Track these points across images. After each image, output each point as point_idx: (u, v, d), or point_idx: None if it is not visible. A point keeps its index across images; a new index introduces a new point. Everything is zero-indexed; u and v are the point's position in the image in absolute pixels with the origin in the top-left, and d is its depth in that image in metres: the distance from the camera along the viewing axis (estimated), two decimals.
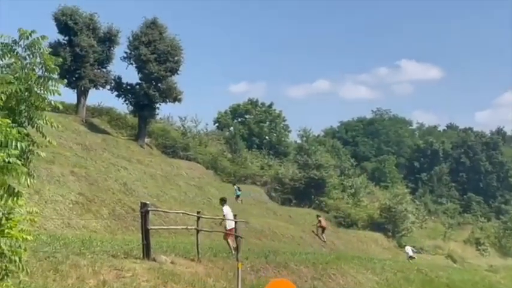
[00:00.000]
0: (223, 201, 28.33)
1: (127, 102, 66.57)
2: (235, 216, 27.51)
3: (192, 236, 24.59)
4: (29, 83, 11.65)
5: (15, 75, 11.52)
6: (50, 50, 12.35)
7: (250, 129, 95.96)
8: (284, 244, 44.09)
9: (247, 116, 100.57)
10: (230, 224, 26.87)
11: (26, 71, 11.70)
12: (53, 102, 12.10)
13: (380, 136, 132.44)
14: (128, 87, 66.07)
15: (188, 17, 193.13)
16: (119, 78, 66.67)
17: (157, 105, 66.06)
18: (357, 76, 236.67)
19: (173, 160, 65.53)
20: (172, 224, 33.36)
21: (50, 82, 11.89)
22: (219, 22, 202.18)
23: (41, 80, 11.76)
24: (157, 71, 62.78)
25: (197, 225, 22.32)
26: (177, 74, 65.94)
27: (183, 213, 26.40)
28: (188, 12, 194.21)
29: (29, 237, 9.77)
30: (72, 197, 32.16)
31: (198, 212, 23.48)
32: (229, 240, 26.57)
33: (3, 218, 9.32)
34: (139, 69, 64.24)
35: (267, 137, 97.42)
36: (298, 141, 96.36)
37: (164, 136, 72.96)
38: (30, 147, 12.08)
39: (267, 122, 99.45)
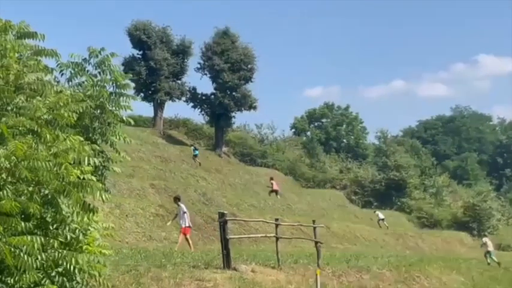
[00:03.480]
0: (177, 199, 28.19)
1: (203, 112, 67.42)
2: (313, 221, 27.26)
3: (273, 243, 24.56)
4: (101, 100, 11.80)
5: (87, 93, 11.68)
6: (121, 66, 12.56)
7: (328, 133, 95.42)
8: (366, 248, 43.66)
9: (323, 120, 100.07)
10: (187, 221, 27.00)
11: (97, 88, 11.85)
12: (125, 118, 12.23)
13: (460, 133, 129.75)
14: (203, 97, 66.62)
15: (260, 24, 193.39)
16: (194, 89, 67.38)
17: (233, 114, 66.32)
18: (434, 74, 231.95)
19: (251, 168, 65.67)
20: (253, 232, 33.24)
21: (121, 98, 12.03)
22: (291, 27, 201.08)
23: (113, 97, 11.90)
24: (231, 79, 63.05)
25: (276, 233, 22.24)
26: (251, 81, 66.15)
27: (262, 221, 26.32)
28: (260, 19, 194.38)
29: (107, 252, 9.86)
30: (153, 209, 32.53)
31: (277, 219, 23.40)
32: (188, 237, 26.83)
33: (81, 234, 9.42)
34: (214, 79, 64.74)
35: (344, 140, 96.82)
36: (376, 142, 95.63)
37: (241, 144, 73.16)
38: (105, 164, 12.24)
39: (344, 125, 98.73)
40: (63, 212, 8.89)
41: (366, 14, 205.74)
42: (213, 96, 65.31)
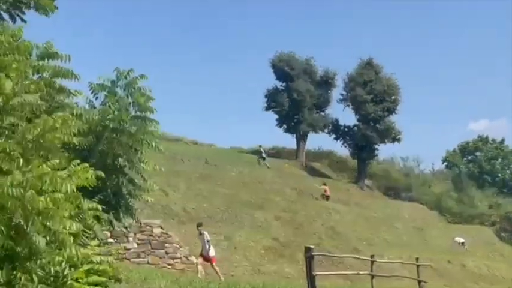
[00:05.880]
0: (200, 225, 25.30)
1: (345, 144, 66.19)
2: (417, 259, 25.64)
3: (402, 280, 23.56)
4: (125, 124, 11.09)
5: (108, 117, 11.01)
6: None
7: (481, 166, 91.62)
8: None
9: (477, 154, 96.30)
10: (213, 251, 24.63)
11: (121, 111, 11.16)
12: (154, 144, 11.45)
13: None
14: (346, 129, 65.78)
15: (418, 56, 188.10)
16: (336, 120, 66.67)
17: (376, 146, 64.81)
18: None
19: (394, 202, 63.54)
20: (374, 269, 31.87)
21: (148, 123, 11.27)
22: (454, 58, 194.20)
23: (137, 121, 11.17)
24: (374, 111, 61.83)
25: (371, 270, 20.89)
26: (395, 113, 64.46)
27: (353, 257, 25.09)
28: (415, 51, 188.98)
29: None
30: (265, 242, 31.67)
31: (372, 256, 22.06)
32: (216, 268, 24.49)
33: (67, 267, 8.59)
34: (356, 110, 63.81)
35: (499, 175, 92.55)
36: None
37: (386, 177, 71.37)
38: (135, 192, 11.50)
39: (499, 159, 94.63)
40: (36, 244, 8.12)
41: None
42: (355, 128, 64.38)
